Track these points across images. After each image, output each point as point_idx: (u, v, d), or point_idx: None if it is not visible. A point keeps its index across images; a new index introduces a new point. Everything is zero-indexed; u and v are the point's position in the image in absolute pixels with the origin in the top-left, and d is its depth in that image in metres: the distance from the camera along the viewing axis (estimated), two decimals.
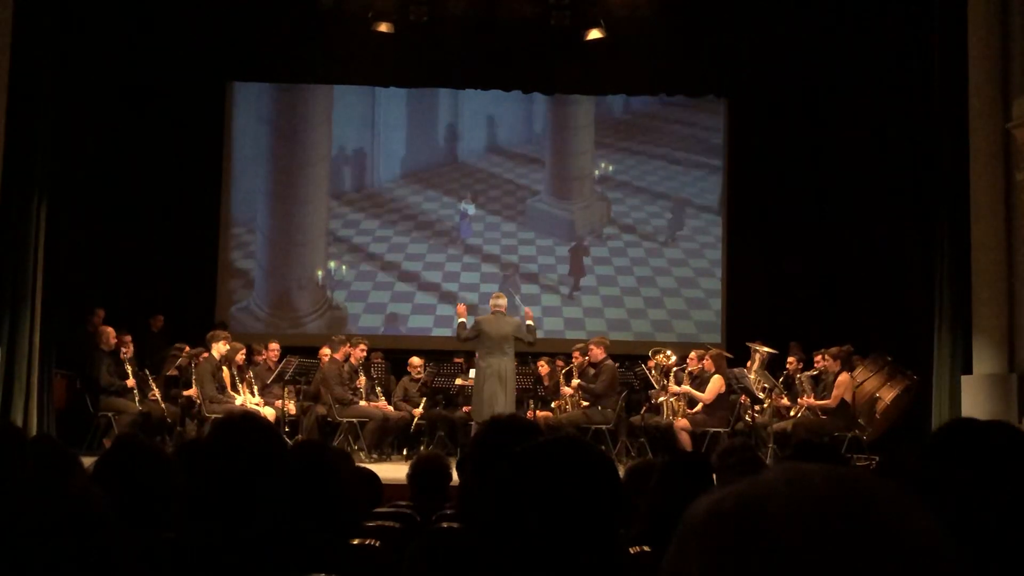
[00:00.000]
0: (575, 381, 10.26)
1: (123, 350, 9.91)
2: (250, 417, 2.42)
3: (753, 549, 0.66)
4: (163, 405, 9.88)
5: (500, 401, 9.06)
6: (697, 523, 0.70)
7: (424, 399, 10.73)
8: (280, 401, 10.05)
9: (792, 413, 9.95)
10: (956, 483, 1.41)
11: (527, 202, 14.19)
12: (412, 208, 14.10)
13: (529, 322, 9.63)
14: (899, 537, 0.67)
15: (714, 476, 3.18)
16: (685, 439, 9.49)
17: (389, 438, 10.32)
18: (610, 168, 14.19)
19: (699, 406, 9.77)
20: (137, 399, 9.74)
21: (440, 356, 11.41)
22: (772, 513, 0.67)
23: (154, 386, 9.97)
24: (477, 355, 9.52)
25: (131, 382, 9.75)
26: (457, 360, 11.11)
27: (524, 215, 14.13)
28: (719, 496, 0.71)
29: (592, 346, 10.16)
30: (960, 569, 0.68)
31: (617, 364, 10.28)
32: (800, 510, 0.67)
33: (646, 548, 2.55)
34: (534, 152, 14.31)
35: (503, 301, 9.52)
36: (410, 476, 4.26)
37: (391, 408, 10.44)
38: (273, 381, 10.32)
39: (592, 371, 10.14)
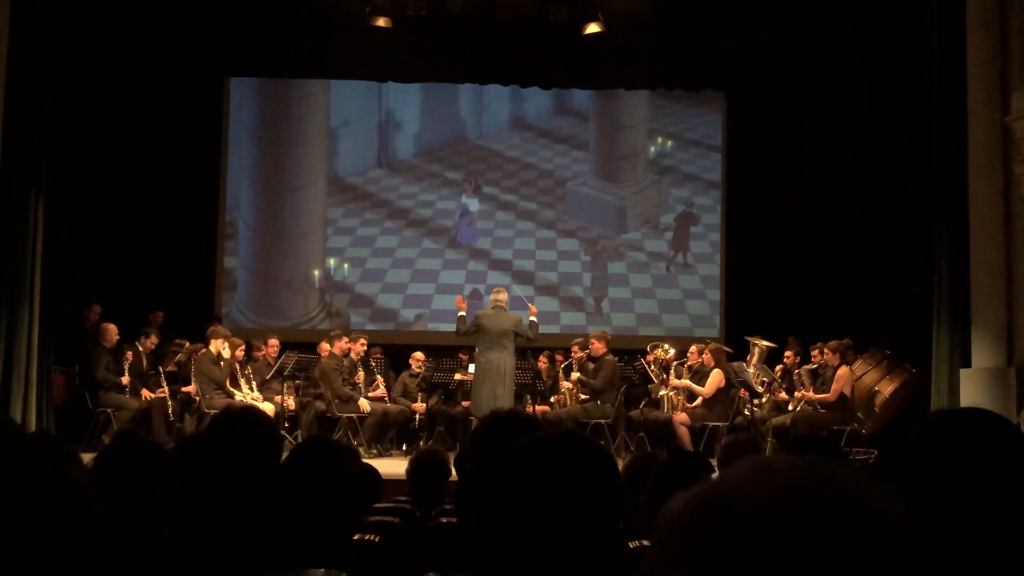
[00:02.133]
0: (574, 375, 10.24)
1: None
2: (248, 412, 2.42)
3: (727, 543, 0.68)
4: (168, 402, 9.90)
5: (500, 397, 9.03)
6: (672, 521, 0.72)
7: (421, 393, 10.73)
8: (279, 396, 10.05)
9: (790, 407, 9.96)
10: (941, 473, 1.41)
11: (567, 186, 13.00)
12: (428, 194, 12.92)
13: (532, 318, 9.52)
14: (870, 523, 0.68)
15: (717, 471, 3.18)
16: (684, 433, 9.49)
17: (389, 433, 10.32)
18: (668, 144, 13.03)
19: (698, 400, 9.77)
20: (128, 394, 9.75)
21: (440, 351, 11.36)
22: (742, 507, 0.69)
23: (164, 383, 9.99)
24: (476, 350, 9.47)
25: (126, 379, 9.75)
26: (463, 356, 11.05)
27: (564, 202, 12.99)
28: (692, 494, 0.73)
29: (593, 340, 10.12)
30: (934, 552, 0.69)
31: (616, 359, 10.26)
32: (769, 502, 0.69)
33: (646, 543, 2.55)
34: (574, 127, 13.05)
35: (503, 296, 9.46)
36: (409, 471, 4.26)
37: (385, 395, 10.45)
38: (272, 376, 10.32)
39: (592, 366, 10.12)
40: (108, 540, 0.93)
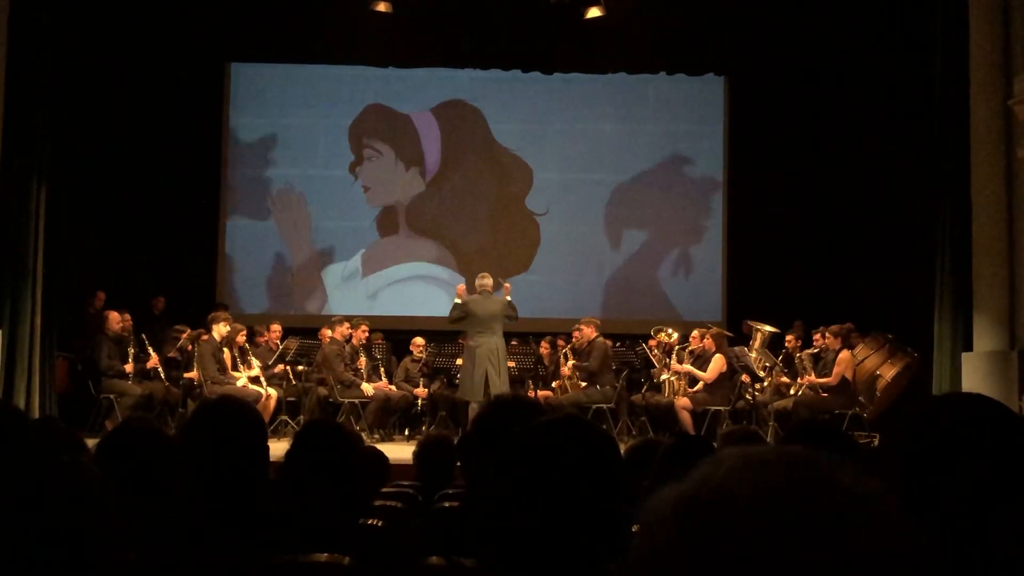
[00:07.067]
0: (571, 361, 10.29)
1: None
2: (228, 400, 2.40)
3: (719, 537, 0.67)
4: (166, 384, 9.90)
5: (494, 381, 9.06)
6: (663, 519, 0.71)
7: (423, 379, 10.74)
8: (282, 382, 10.07)
9: (792, 391, 9.97)
10: (932, 458, 1.42)
11: None
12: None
13: (508, 298, 9.56)
14: (860, 517, 0.68)
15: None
16: (686, 418, 9.51)
17: (391, 418, 10.35)
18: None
19: (700, 385, 9.79)
20: (130, 380, 9.75)
21: (442, 336, 11.35)
22: (739, 505, 0.68)
23: (152, 352, 9.94)
24: (466, 336, 9.51)
25: (129, 367, 9.76)
26: (462, 340, 11.06)
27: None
28: (681, 491, 0.72)
29: (583, 326, 10.19)
30: (923, 548, 0.69)
31: (613, 342, 10.31)
32: (761, 495, 0.68)
33: None
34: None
35: (488, 281, 9.52)
36: (416, 456, 4.26)
37: (392, 388, 10.46)
38: (274, 362, 10.33)
39: (588, 349, 10.17)
40: (109, 521, 0.93)
